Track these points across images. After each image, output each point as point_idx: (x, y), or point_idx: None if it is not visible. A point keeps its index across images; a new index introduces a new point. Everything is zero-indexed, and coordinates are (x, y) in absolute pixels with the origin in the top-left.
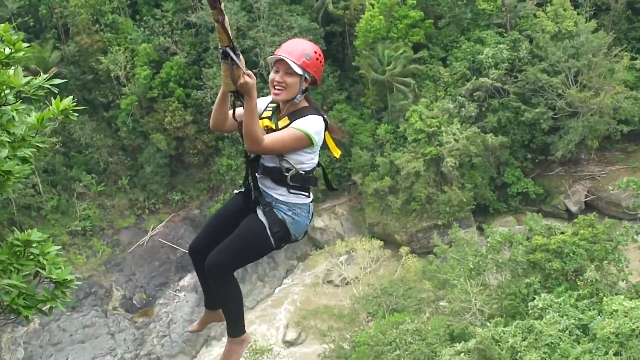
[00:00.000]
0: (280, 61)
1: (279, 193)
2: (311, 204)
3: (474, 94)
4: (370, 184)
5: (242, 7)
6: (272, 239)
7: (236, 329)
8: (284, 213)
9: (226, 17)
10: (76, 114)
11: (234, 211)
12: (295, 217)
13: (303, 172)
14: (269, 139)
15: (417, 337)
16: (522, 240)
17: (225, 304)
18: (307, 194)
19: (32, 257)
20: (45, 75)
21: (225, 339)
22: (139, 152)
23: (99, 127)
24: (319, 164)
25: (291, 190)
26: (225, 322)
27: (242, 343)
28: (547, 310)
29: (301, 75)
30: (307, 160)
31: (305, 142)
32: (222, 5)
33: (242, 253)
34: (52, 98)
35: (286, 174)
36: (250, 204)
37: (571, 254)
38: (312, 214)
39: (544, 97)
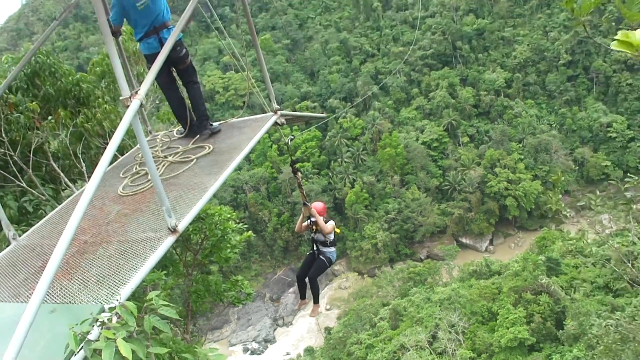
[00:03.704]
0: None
1: (326, 249)
2: (336, 250)
3: None
4: (352, 252)
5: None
6: (327, 264)
7: (317, 299)
8: (329, 254)
9: (304, 193)
10: (252, 236)
11: (309, 260)
12: (332, 255)
13: (332, 239)
14: (327, 227)
15: (371, 305)
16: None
17: (314, 291)
18: (334, 247)
19: (237, 283)
20: (239, 225)
21: (309, 306)
22: (274, 246)
23: (257, 238)
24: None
25: (329, 247)
26: (309, 303)
27: (319, 306)
28: (416, 295)
29: (323, 217)
30: (332, 236)
31: (332, 229)
32: (304, 191)
33: (318, 271)
34: (243, 231)
35: (327, 241)
36: (315, 255)
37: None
38: (336, 255)
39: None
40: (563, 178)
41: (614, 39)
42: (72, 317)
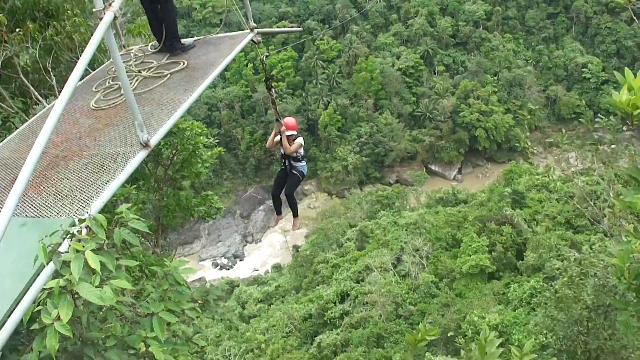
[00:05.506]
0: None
1: (297, 163)
2: (306, 164)
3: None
4: (323, 173)
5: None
6: (300, 178)
7: (297, 212)
8: (301, 169)
9: (277, 110)
10: (222, 151)
11: (282, 176)
12: (304, 169)
13: (302, 155)
14: (291, 147)
15: (339, 225)
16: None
17: (292, 205)
18: (305, 161)
19: (208, 198)
20: (210, 140)
21: (288, 219)
22: (247, 164)
23: (230, 156)
24: (305, 151)
25: (300, 161)
26: (284, 218)
27: (298, 218)
28: (383, 218)
29: (294, 132)
30: (302, 151)
31: (300, 146)
32: (277, 108)
33: (294, 185)
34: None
35: (298, 156)
36: (287, 171)
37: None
38: (307, 169)
39: None
40: (530, 117)
41: None
42: (43, 230)
